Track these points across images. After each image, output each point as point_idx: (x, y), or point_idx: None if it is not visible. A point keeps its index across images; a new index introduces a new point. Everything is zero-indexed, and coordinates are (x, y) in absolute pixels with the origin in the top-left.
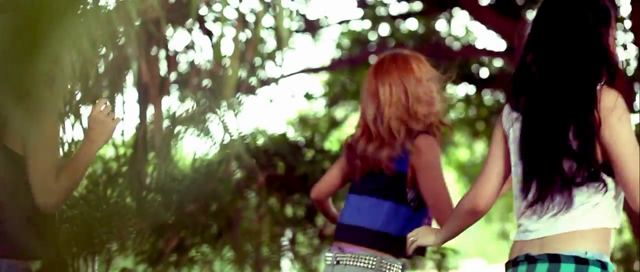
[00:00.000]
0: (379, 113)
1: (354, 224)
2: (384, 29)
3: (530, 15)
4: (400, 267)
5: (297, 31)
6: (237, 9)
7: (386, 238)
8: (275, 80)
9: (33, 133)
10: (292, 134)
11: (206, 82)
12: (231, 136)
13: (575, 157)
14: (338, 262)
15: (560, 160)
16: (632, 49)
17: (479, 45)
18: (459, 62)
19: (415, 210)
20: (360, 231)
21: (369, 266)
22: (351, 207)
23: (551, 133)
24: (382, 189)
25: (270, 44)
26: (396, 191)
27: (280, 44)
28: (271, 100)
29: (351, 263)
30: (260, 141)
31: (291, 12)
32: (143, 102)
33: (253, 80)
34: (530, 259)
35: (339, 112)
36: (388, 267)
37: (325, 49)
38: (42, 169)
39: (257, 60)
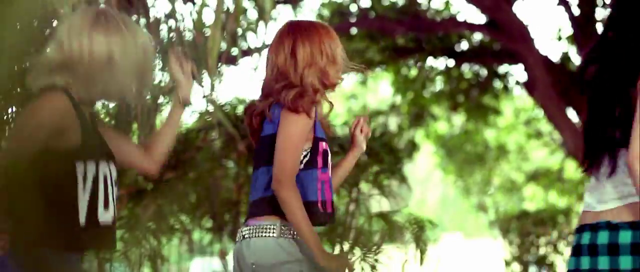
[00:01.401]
0: None
1: None
2: (365, 1)
3: None
4: None
5: (278, 2)
6: None
7: None
8: (257, 51)
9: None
10: None
11: (187, 51)
12: (211, 105)
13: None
14: None
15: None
16: None
17: (459, 19)
18: (440, 35)
19: None
20: None
21: None
22: None
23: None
24: None
25: (252, 14)
26: None
27: (262, 14)
28: (255, 69)
29: None
30: (240, 110)
31: None
32: None
33: (234, 51)
34: (593, 228)
35: None
36: None
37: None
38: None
39: (239, 31)
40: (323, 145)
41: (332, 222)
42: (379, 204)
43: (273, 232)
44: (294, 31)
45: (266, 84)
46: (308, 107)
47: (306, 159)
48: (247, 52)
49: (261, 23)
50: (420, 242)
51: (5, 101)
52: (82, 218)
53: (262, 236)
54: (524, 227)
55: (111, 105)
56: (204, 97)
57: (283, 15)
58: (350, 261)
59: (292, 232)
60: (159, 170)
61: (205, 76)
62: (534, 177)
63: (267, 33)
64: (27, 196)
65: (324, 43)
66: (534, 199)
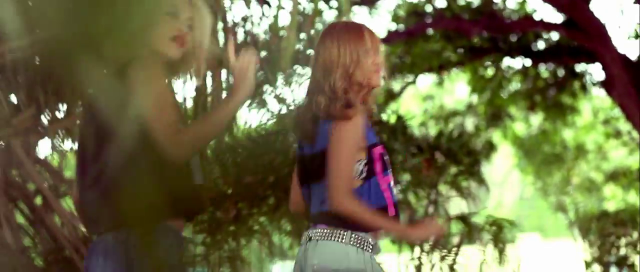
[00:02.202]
0: None
1: None
2: (441, 1)
3: None
4: None
5: (354, 3)
6: None
7: None
8: None
9: (144, 91)
10: None
11: (263, 54)
12: (289, 108)
13: None
14: None
15: None
16: None
17: (536, 18)
18: (516, 34)
19: None
20: None
21: None
22: None
23: None
24: None
25: (328, 16)
26: None
27: (339, 16)
28: None
29: None
30: None
31: None
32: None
33: (310, 53)
34: None
35: (395, 85)
36: None
37: (382, 21)
38: (162, 122)
39: (315, 33)
40: (378, 150)
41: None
42: (457, 205)
43: (342, 239)
44: (319, 38)
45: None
46: (340, 112)
47: (367, 167)
48: None
49: None
50: (499, 243)
51: None
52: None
53: (330, 240)
54: (604, 228)
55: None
56: (282, 100)
57: (359, 16)
58: (438, 224)
59: (361, 242)
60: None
61: (282, 78)
62: (613, 176)
63: None
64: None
65: (342, 45)
66: (613, 198)
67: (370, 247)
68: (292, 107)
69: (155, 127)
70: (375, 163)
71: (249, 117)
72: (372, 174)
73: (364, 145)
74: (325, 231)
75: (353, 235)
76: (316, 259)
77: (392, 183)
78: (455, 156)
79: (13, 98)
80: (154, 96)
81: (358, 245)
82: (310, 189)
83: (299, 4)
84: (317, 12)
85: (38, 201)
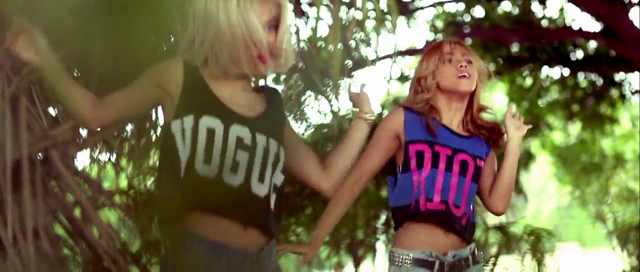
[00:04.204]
0: None
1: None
2: (479, 11)
3: None
4: None
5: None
6: None
7: None
8: (371, 63)
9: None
10: None
11: (302, 64)
12: (328, 118)
13: None
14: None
15: None
16: None
17: (574, 27)
18: (554, 43)
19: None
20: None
21: None
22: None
23: None
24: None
25: (366, 26)
26: None
27: (378, 26)
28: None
29: None
30: None
31: None
32: None
33: (349, 63)
34: None
35: None
36: None
37: (420, 31)
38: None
39: (353, 43)
40: (415, 147)
41: (447, 219)
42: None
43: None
44: None
45: None
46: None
47: (403, 163)
48: (362, 64)
49: (374, 35)
50: (537, 253)
51: None
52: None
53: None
54: None
55: None
56: (319, 110)
57: (397, 26)
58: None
59: (398, 258)
60: (334, 191)
61: (322, 88)
62: None
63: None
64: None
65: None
66: None
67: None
68: (331, 118)
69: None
70: (410, 159)
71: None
72: (407, 170)
73: (390, 142)
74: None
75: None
76: None
77: (430, 178)
78: None
79: (51, 110)
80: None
81: (397, 262)
82: None
83: (339, 15)
84: (365, 16)
85: (77, 212)
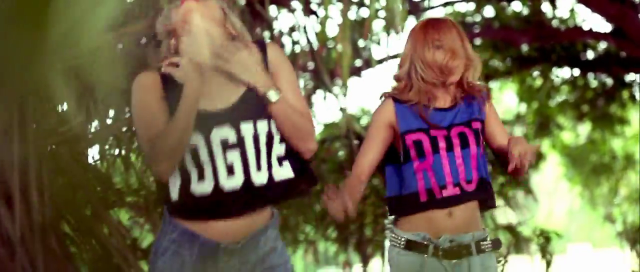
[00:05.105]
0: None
1: None
2: (489, 11)
3: None
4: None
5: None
6: None
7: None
8: (381, 62)
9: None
10: None
11: (311, 63)
12: (336, 116)
13: None
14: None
15: None
16: None
17: (584, 27)
18: (564, 44)
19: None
20: None
21: None
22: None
23: None
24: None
25: (376, 25)
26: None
27: (389, 26)
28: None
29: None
30: (365, 121)
31: None
32: None
33: (359, 62)
34: None
35: None
36: None
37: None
38: (141, 137)
39: (362, 42)
40: (411, 136)
41: (462, 199)
42: (505, 215)
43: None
44: None
45: None
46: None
47: (403, 153)
48: (371, 64)
49: (383, 35)
50: (547, 254)
51: None
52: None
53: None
54: None
55: None
56: (328, 108)
57: (407, 26)
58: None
59: (393, 240)
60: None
61: (329, 87)
62: None
63: (391, 45)
64: None
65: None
66: None
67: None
68: (339, 116)
69: (139, 141)
70: (410, 150)
71: None
72: (408, 160)
73: (385, 133)
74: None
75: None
76: None
77: (431, 168)
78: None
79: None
80: (135, 110)
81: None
82: None
83: (348, 14)
84: (373, 17)
85: (87, 210)
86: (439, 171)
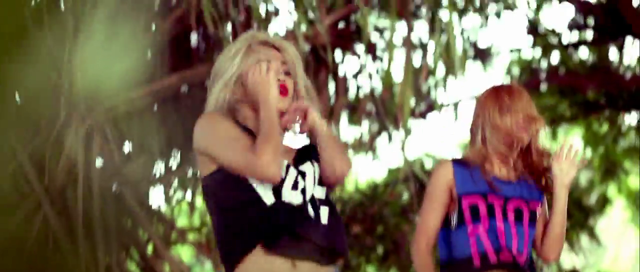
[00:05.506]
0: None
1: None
2: (555, 57)
3: None
4: None
5: (467, 58)
6: (407, 36)
7: None
8: (445, 106)
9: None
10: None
11: (375, 108)
12: (400, 160)
13: None
14: None
15: None
16: None
17: None
18: (631, 89)
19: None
20: None
21: None
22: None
23: None
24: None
25: (440, 70)
26: None
27: (451, 70)
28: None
29: None
30: (429, 166)
31: (462, 39)
32: None
33: (422, 106)
34: None
35: None
36: None
37: (495, 76)
38: (233, 150)
39: (426, 87)
40: (469, 199)
41: (515, 268)
42: (570, 260)
43: None
44: None
45: None
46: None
47: (454, 217)
48: (434, 107)
49: (450, 78)
50: None
51: None
52: None
53: None
54: None
55: None
56: (393, 152)
57: (473, 71)
58: None
59: None
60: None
61: (394, 131)
62: None
63: (455, 89)
64: None
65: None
66: None
67: None
68: (402, 159)
69: (231, 158)
70: (464, 213)
71: (360, 169)
72: (462, 223)
73: (445, 196)
74: None
75: None
76: None
77: (487, 231)
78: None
79: (126, 147)
80: (217, 133)
81: None
82: None
83: (411, 59)
84: (437, 60)
85: (149, 249)
86: (494, 235)
